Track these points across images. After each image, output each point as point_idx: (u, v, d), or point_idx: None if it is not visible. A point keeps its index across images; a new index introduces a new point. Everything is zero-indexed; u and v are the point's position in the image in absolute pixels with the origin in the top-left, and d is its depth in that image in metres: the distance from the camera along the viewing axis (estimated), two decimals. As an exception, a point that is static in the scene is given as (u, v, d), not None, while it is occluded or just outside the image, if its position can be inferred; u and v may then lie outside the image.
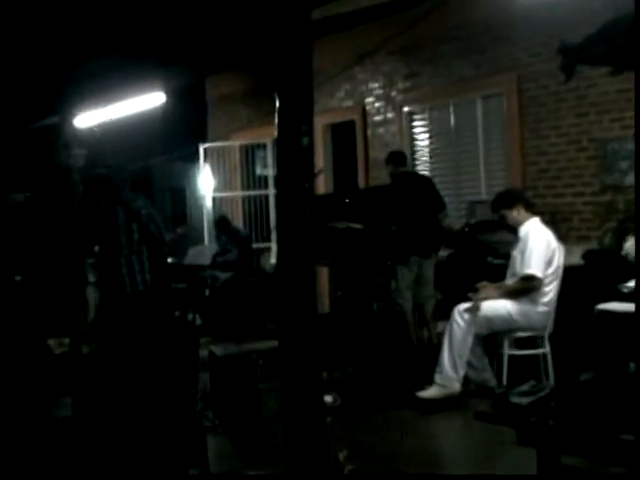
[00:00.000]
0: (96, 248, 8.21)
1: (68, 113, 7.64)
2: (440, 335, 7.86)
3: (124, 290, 7.74)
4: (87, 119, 12.33)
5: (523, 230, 7.34)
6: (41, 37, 7.89)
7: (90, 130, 12.18)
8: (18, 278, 11.69)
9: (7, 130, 13.70)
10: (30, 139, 14.56)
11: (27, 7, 7.17)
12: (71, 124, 7.59)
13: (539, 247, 7.13)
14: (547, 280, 7.11)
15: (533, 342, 7.29)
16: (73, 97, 7.76)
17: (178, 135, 14.98)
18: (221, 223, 12.66)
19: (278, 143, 3.57)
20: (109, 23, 8.20)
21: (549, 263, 7.11)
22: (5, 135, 13.82)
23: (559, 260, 7.18)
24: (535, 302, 7.15)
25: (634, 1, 3.71)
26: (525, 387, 5.21)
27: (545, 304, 7.13)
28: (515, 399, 4.87)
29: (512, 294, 7.24)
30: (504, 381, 7.04)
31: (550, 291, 7.14)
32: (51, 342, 9.48)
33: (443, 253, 9.22)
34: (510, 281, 7.41)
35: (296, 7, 3.49)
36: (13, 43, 8.10)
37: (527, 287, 7.16)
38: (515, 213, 7.42)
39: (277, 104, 3.51)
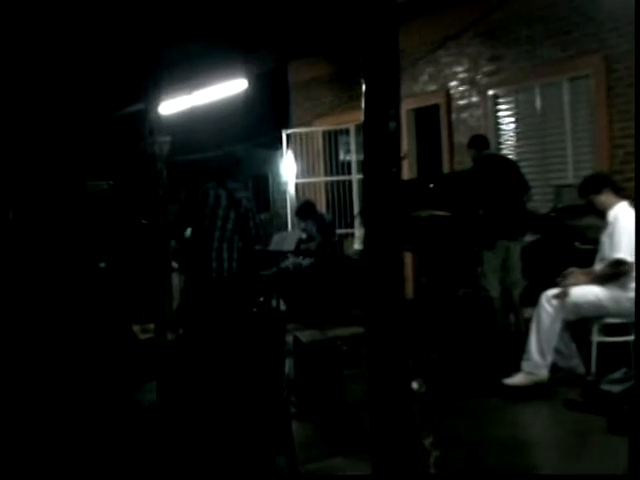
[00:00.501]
0: (187, 232, 8.27)
1: (153, 100, 7.68)
2: (527, 322, 7.76)
3: (209, 275, 7.78)
4: (171, 106, 12.45)
5: (612, 214, 7.19)
6: (127, 26, 7.97)
7: (175, 117, 12.28)
8: (102, 265, 11.86)
9: (92, 118, 13.90)
10: (114, 127, 14.76)
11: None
12: (156, 111, 7.62)
13: (628, 231, 6.97)
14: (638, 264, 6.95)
15: (623, 329, 7.13)
16: (157, 84, 7.80)
17: (260, 121, 15.02)
18: (306, 207, 12.58)
19: (365, 127, 3.52)
20: (192, 11, 8.26)
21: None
22: (90, 123, 14.02)
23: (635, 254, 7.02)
24: (625, 287, 6.99)
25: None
26: (616, 375, 5.13)
27: (636, 289, 6.97)
28: (606, 387, 4.80)
29: (601, 280, 7.10)
30: (593, 369, 6.91)
31: (642, 274, 6.98)
32: (136, 328, 9.60)
33: (529, 238, 9.09)
34: (599, 266, 7.27)
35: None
36: (100, 31, 8.20)
37: (617, 272, 7.01)
38: (603, 198, 7.27)
39: (363, 88, 3.47)
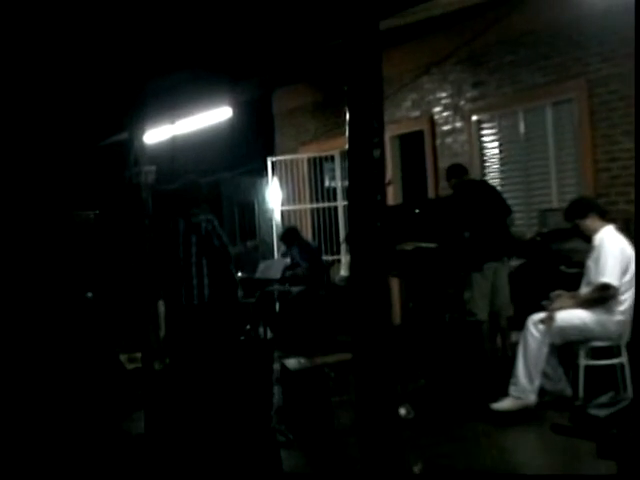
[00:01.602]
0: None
1: (137, 130, 7.70)
2: (514, 346, 7.76)
3: (180, 303, 7.82)
4: (156, 135, 12.44)
5: (597, 238, 7.24)
6: (112, 54, 7.98)
7: (159, 146, 12.28)
8: (89, 294, 11.83)
9: (77, 147, 13.88)
10: (99, 156, 14.75)
11: (98, 26, 7.26)
12: (141, 140, 7.65)
13: (614, 255, 7.01)
14: (623, 288, 6.98)
15: (610, 352, 7.15)
16: (142, 114, 7.83)
17: (245, 149, 15.03)
18: (290, 233, 12.59)
19: (349, 155, 3.55)
20: (177, 40, 8.28)
21: (625, 271, 6.98)
22: (75, 152, 14.01)
23: (635, 267, 7.04)
24: (611, 311, 7.03)
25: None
26: (604, 399, 5.13)
27: (621, 312, 7.00)
28: (594, 411, 4.80)
29: (587, 304, 7.13)
30: (580, 392, 6.92)
31: (626, 299, 6.99)
32: (123, 357, 9.57)
33: (515, 262, 9.12)
34: (585, 290, 7.30)
35: (365, 19, 3.47)
36: (85, 61, 8.20)
37: (603, 296, 7.04)
38: (589, 222, 7.33)
39: (347, 117, 3.50)
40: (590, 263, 7.26)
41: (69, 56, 8.54)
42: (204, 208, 8.32)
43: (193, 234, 7.83)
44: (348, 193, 3.56)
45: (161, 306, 8.90)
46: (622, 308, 6.99)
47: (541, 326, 7.05)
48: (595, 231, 7.28)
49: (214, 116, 12.82)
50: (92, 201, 14.16)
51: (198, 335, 7.77)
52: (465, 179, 9.14)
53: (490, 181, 10.44)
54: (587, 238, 7.40)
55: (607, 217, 7.55)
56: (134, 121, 7.70)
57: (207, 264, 7.87)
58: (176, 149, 13.34)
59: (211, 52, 9.03)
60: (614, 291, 6.97)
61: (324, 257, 13.08)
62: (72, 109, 11.33)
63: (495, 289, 8.74)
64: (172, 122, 12.86)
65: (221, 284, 7.99)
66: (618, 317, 7.01)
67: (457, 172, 9.17)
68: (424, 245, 8.63)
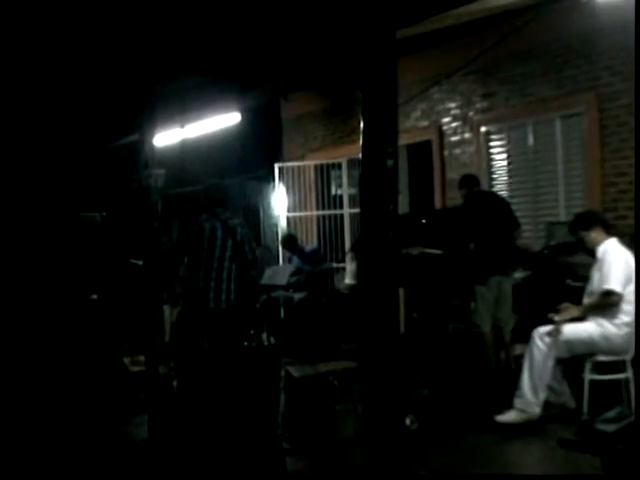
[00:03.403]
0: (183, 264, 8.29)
1: (148, 133, 7.70)
2: (518, 358, 7.75)
3: (207, 306, 7.79)
4: (165, 138, 12.46)
5: (601, 250, 7.27)
6: (125, 58, 8.00)
7: (167, 149, 12.29)
8: (94, 297, 11.82)
9: (85, 149, 13.89)
10: (107, 158, 14.75)
11: (111, 30, 7.29)
12: (151, 143, 7.65)
13: (617, 263, 7.04)
14: (628, 298, 6.95)
15: (615, 367, 7.13)
16: (152, 117, 7.83)
17: (253, 154, 15.02)
18: (288, 241, 12.66)
19: (362, 164, 3.55)
20: (188, 46, 8.30)
21: (629, 280, 6.96)
22: (83, 154, 14.02)
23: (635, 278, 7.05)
24: (617, 324, 7.02)
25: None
26: (610, 414, 5.11)
27: (627, 325, 6.98)
28: (600, 426, 4.78)
29: (591, 311, 7.14)
30: (585, 407, 6.90)
31: (632, 312, 6.97)
32: (126, 360, 9.57)
33: (520, 275, 9.10)
34: (587, 300, 7.30)
35: (382, 29, 3.48)
36: (97, 64, 8.22)
37: (607, 302, 7.05)
38: (593, 234, 7.35)
39: (362, 125, 3.50)
40: (594, 273, 7.29)
41: (81, 58, 8.56)
42: (233, 212, 8.36)
43: (229, 238, 7.86)
44: (361, 201, 3.56)
45: (166, 310, 8.90)
46: (628, 320, 6.96)
47: (547, 339, 7.05)
48: (599, 243, 7.30)
49: (223, 121, 12.84)
50: (99, 203, 14.15)
51: (209, 338, 7.76)
52: (476, 190, 9.13)
53: (497, 193, 10.43)
54: (590, 251, 7.42)
55: (613, 231, 7.56)
56: (144, 124, 7.70)
57: (236, 269, 7.89)
58: (185, 153, 13.36)
59: (221, 58, 9.06)
60: (618, 298, 6.97)
61: (329, 264, 13.05)
62: (82, 110, 11.36)
63: (499, 301, 8.72)
64: (181, 126, 12.89)
65: (246, 289, 8.02)
66: (624, 330, 7.00)
67: (469, 182, 9.17)
68: (430, 251, 8.63)
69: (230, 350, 7.59)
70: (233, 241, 7.87)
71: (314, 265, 12.12)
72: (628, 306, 6.97)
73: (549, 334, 7.07)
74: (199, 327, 7.85)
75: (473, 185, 9.15)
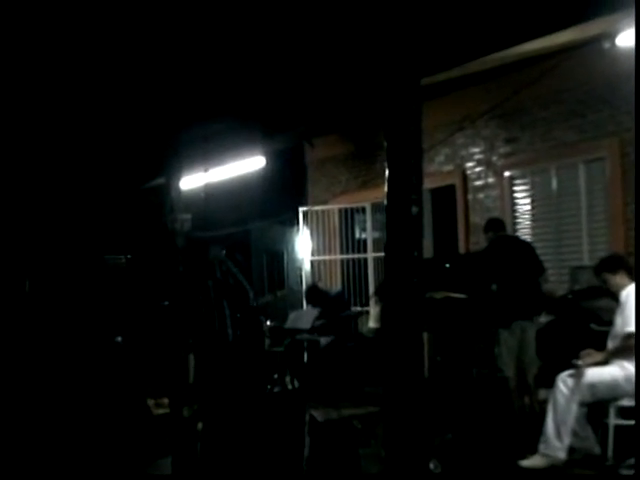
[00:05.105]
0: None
1: (174, 177, 7.79)
2: (541, 403, 7.73)
3: (207, 348, 7.85)
4: (190, 182, 12.56)
5: (624, 294, 7.28)
6: (152, 101, 8.11)
7: (191, 193, 12.39)
8: (119, 339, 11.89)
9: (110, 191, 14.02)
10: (132, 200, 14.87)
11: (140, 73, 7.40)
12: (177, 188, 7.73)
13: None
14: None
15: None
16: (178, 161, 7.92)
17: (277, 198, 15.10)
18: (310, 295, 12.65)
19: (387, 211, 3.60)
20: (214, 90, 8.41)
21: (653, 324, 6.96)
22: (108, 196, 14.14)
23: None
24: (641, 367, 7.00)
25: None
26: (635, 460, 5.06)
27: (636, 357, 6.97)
28: (625, 472, 4.76)
29: (615, 354, 7.13)
30: (610, 452, 6.87)
31: (656, 355, 6.97)
32: (150, 402, 9.59)
33: (544, 319, 9.09)
34: (611, 344, 7.30)
35: (407, 77, 3.54)
36: (125, 108, 8.33)
37: (630, 345, 7.00)
38: (618, 278, 7.37)
39: (387, 172, 3.55)
40: (617, 317, 7.29)
41: (111, 103, 8.68)
42: (216, 251, 8.39)
43: (209, 279, 7.90)
44: (385, 248, 3.60)
45: (191, 357, 8.95)
46: (653, 364, 6.95)
47: (570, 382, 7.03)
48: (623, 287, 7.31)
49: (247, 165, 12.93)
50: (124, 245, 14.26)
51: (225, 379, 7.79)
52: (501, 234, 9.16)
53: (521, 237, 10.45)
54: (614, 295, 7.42)
55: (636, 276, 7.57)
56: (170, 168, 7.79)
57: (227, 305, 7.91)
58: (210, 196, 13.45)
59: (247, 103, 9.16)
60: (641, 340, 6.97)
61: (353, 308, 13.07)
62: (108, 154, 11.48)
63: (522, 346, 8.71)
64: (205, 170, 12.98)
65: (244, 323, 8.03)
66: (649, 374, 6.98)
67: (495, 226, 9.19)
68: (454, 295, 8.65)
69: (254, 394, 7.62)
70: (213, 280, 7.90)
71: (338, 308, 12.13)
72: (652, 349, 6.96)
73: (572, 377, 7.06)
74: (208, 369, 7.91)
75: (499, 229, 9.18)
